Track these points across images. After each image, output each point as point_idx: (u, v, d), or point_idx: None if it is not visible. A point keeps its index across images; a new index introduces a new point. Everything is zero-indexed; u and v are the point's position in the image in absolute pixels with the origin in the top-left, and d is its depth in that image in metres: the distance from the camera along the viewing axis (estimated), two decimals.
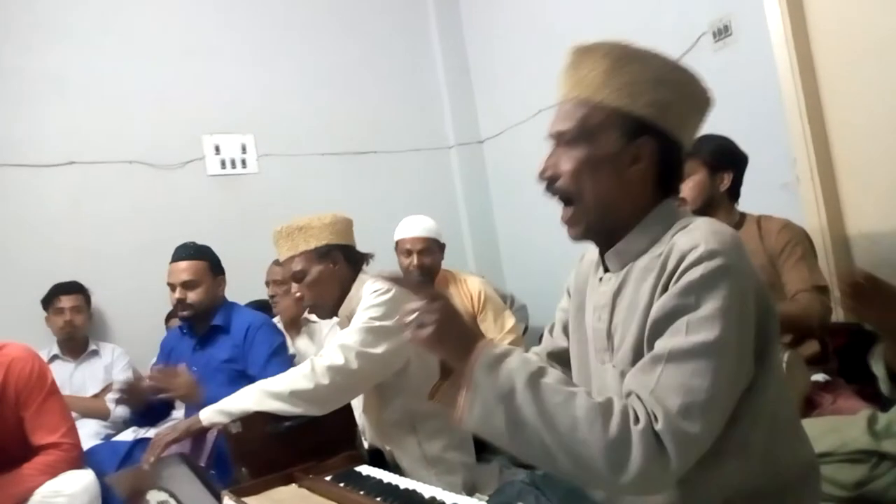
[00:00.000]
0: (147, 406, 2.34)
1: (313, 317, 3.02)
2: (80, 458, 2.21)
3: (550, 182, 1.07)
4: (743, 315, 0.91)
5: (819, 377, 1.90)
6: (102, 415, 3.09)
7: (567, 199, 1.06)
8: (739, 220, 2.14)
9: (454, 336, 0.99)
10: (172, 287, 2.43)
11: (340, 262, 1.97)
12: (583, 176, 1.03)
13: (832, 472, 1.36)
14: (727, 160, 2.11)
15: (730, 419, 0.92)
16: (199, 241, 2.60)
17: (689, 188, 2.08)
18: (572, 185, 1.04)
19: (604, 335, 1.06)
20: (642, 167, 1.03)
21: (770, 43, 2.57)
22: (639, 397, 0.90)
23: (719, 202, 2.11)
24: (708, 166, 2.08)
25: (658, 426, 0.86)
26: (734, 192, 2.15)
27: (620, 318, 1.03)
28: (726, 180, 2.11)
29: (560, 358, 1.24)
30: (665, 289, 0.94)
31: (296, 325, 3.11)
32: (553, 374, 0.94)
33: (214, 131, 3.76)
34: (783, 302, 1.96)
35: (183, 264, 2.44)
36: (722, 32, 2.77)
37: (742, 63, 2.70)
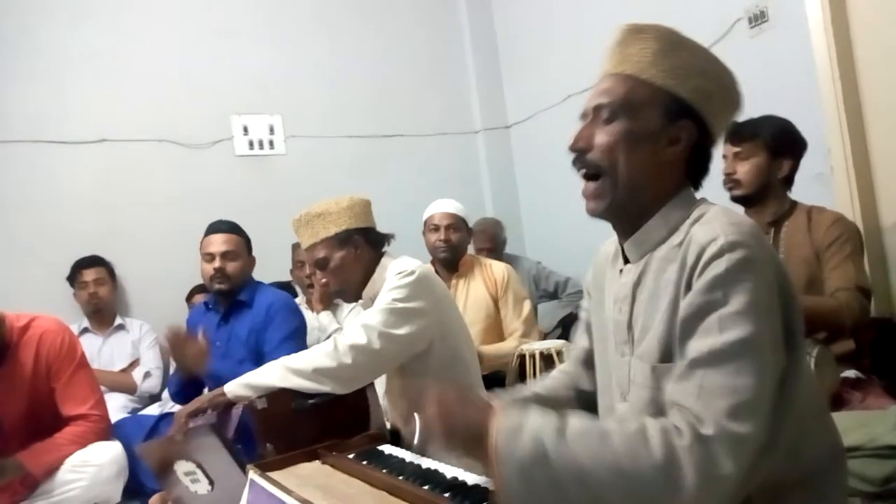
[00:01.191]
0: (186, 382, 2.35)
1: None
2: (109, 430, 2.27)
3: (581, 154, 1.05)
4: (771, 306, 0.89)
5: (850, 373, 1.87)
6: (129, 389, 3.16)
7: (596, 173, 1.04)
8: (789, 209, 2.07)
9: (462, 431, 0.93)
10: (210, 257, 2.44)
11: (362, 245, 1.97)
12: (619, 150, 1.01)
13: (860, 467, 1.34)
14: (789, 146, 2.05)
15: None
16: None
17: (745, 171, 2.03)
18: (606, 158, 1.02)
19: (624, 327, 1.05)
20: (679, 150, 1.02)
21: (808, 29, 2.51)
22: (682, 407, 0.87)
23: (774, 189, 2.05)
24: (769, 150, 2.02)
25: (708, 431, 0.83)
26: (789, 180, 2.08)
27: (641, 309, 1.02)
28: (785, 167, 2.04)
29: (589, 362, 1.23)
30: (689, 286, 0.92)
31: (325, 300, 3.15)
32: (576, 419, 0.90)
33: (243, 112, 3.79)
34: (821, 297, 1.92)
35: (223, 236, 2.47)
36: (758, 18, 2.71)
37: (778, 50, 2.64)
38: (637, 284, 1.03)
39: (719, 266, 0.89)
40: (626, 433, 0.86)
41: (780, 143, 2.03)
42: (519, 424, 0.89)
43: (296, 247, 3.14)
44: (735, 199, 2.07)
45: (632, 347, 1.03)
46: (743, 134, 2.02)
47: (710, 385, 0.86)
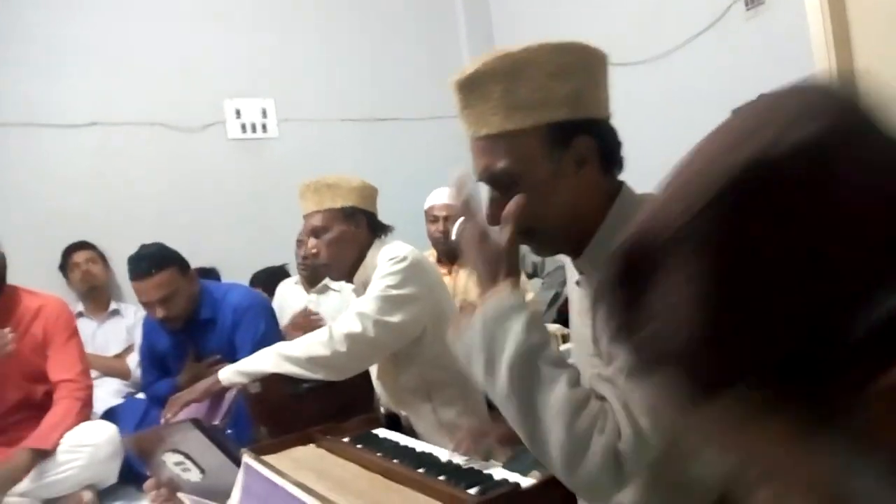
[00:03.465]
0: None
1: (335, 283, 3.05)
2: (91, 398, 2.34)
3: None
4: None
5: None
6: (123, 374, 3.15)
7: (528, 236, 0.99)
8: None
9: (482, 260, 0.96)
10: (149, 306, 2.23)
11: (363, 226, 1.95)
12: (536, 208, 0.95)
13: None
14: None
15: None
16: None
17: None
18: (529, 220, 0.95)
19: (590, 341, 1.02)
20: (589, 167, 0.96)
21: (804, 12, 2.49)
22: (611, 407, 0.88)
23: None
24: None
25: (621, 445, 0.84)
26: None
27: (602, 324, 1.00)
28: None
29: None
30: None
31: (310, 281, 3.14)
32: (550, 354, 0.90)
33: (235, 95, 3.75)
34: None
35: (152, 281, 2.17)
36: (754, 1, 2.69)
37: (774, 34, 2.62)
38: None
39: None
40: (568, 395, 0.88)
41: None
42: (507, 314, 0.91)
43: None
44: None
45: (601, 361, 0.97)
46: None
47: (637, 399, 0.87)
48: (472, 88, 0.96)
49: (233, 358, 2.19)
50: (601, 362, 0.99)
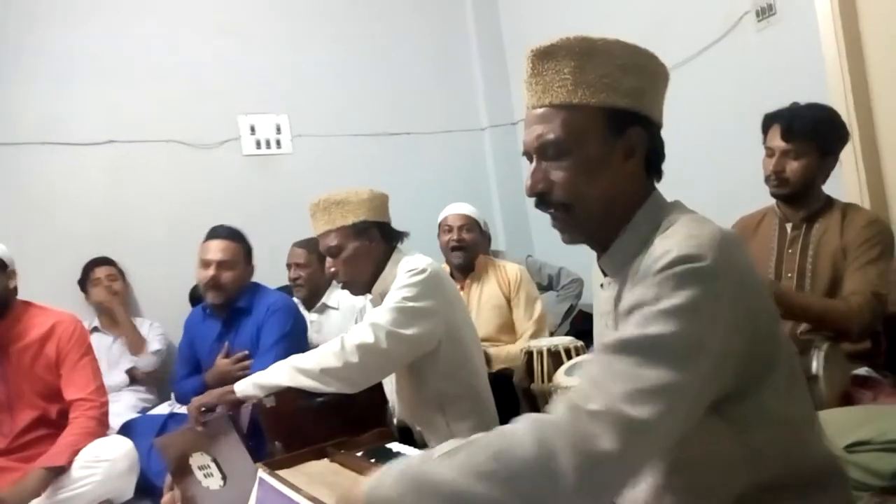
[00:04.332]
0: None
1: (332, 301, 3.03)
2: (107, 415, 2.35)
3: (542, 197, 1.01)
4: (714, 318, 0.84)
5: (863, 371, 1.85)
6: (138, 348, 3.20)
7: (565, 209, 1.01)
8: (824, 205, 1.99)
9: None
10: (206, 264, 2.40)
11: (376, 239, 1.96)
12: (580, 182, 0.98)
13: (869, 461, 1.33)
14: (839, 143, 1.97)
15: (733, 424, 0.90)
16: (234, 221, 2.62)
17: (795, 169, 1.93)
18: (570, 194, 0.99)
19: None
20: (636, 160, 1.00)
21: (816, 22, 2.49)
22: (570, 389, 0.86)
23: (816, 186, 1.98)
24: (820, 149, 1.92)
25: (593, 407, 0.79)
26: (828, 174, 2.00)
27: (622, 325, 1.01)
28: (831, 164, 1.97)
29: None
30: None
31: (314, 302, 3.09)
32: (449, 443, 0.88)
33: (250, 111, 3.80)
34: (832, 300, 1.87)
35: (221, 243, 2.41)
36: (766, 11, 2.69)
37: (786, 43, 2.62)
38: (617, 299, 1.01)
39: (662, 274, 0.86)
40: (491, 435, 0.82)
41: (831, 140, 1.95)
42: (384, 470, 0.85)
43: (297, 244, 3.11)
44: (777, 196, 2.01)
45: None
46: (799, 132, 1.92)
47: (612, 370, 0.83)
48: (547, 59, 1.00)
49: (256, 351, 2.36)
50: None
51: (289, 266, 3.14)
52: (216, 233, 2.46)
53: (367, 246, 1.94)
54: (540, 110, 1.01)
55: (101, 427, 2.28)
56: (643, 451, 0.81)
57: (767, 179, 2.00)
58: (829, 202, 2.01)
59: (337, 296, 3.00)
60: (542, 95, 1.00)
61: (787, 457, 0.94)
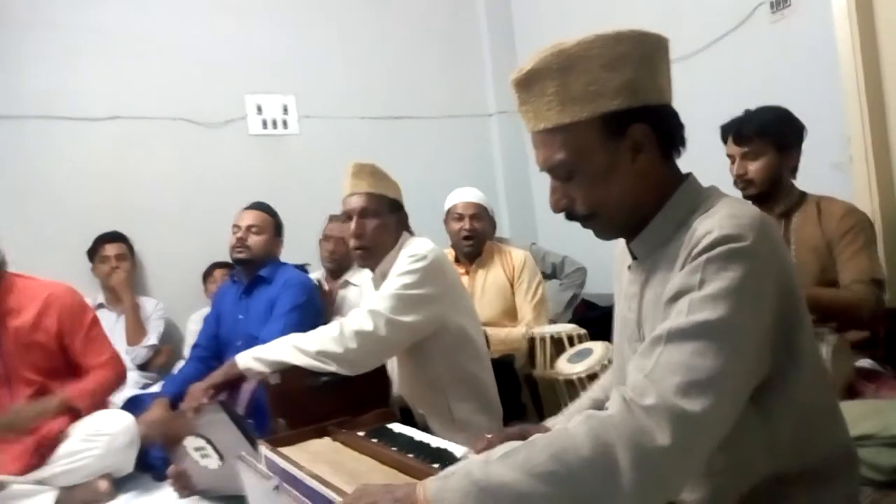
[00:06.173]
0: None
1: (356, 279, 3.06)
2: (125, 375, 2.42)
3: (569, 213, 1.04)
4: (759, 297, 0.86)
5: (865, 363, 1.86)
6: (138, 339, 3.23)
7: (592, 218, 1.03)
8: (799, 200, 2.07)
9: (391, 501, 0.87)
10: (237, 229, 2.58)
11: (402, 222, 2.05)
12: (597, 194, 1.00)
13: (872, 456, 1.33)
14: (794, 136, 2.05)
15: (759, 411, 0.90)
16: (240, 201, 2.67)
17: (756, 170, 2.03)
18: (592, 206, 1.01)
19: (634, 324, 1.05)
20: (647, 153, 0.99)
21: (831, 15, 2.47)
22: (624, 386, 0.85)
23: (784, 181, 2.06)
24: (776, 146, 2.01)
25: (648, 402, 0.80)
26: (795, 168, 2.09)
27: (649, 308, 1.01)
28: (793, 158, 2.06)
29: None
30: None
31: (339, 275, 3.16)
32: (505, 445, 0.89)
33: (257, 91, 3.78)
34: (838, 290, 1.92)
35: (253, 212, 2.62)
36: (780, 4, 2.67)
37: (800, 37, 2.60)
38: (645, 283, 1.02)
39: (704, 256, 0.87)
40: (549, 436, 0.83)
41: (785, 136, 2.03)
42: (446, 473, 0.87)
43: (333, 218, 3.14)
44: (748, 198, 2.06)
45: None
46: (747, 134, 2.02)
47: (664, 361, 0.83)
48: (529, 86, 0.99)
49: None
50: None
51: (326, 238, 3.22)
52: (251, 205, 2.67)
53: (394, 224, 2.01)
54: (538, 136, 1.02)
55: (118, 382, 2.36)
56: (700, 444, 0.82)
57: (735, 184, 2.08)
58: (803, 196, 2.09)
59: (361, 275, 3.05)
60: (535, 122, 1.00)
61: (799, 449, 0.94)
